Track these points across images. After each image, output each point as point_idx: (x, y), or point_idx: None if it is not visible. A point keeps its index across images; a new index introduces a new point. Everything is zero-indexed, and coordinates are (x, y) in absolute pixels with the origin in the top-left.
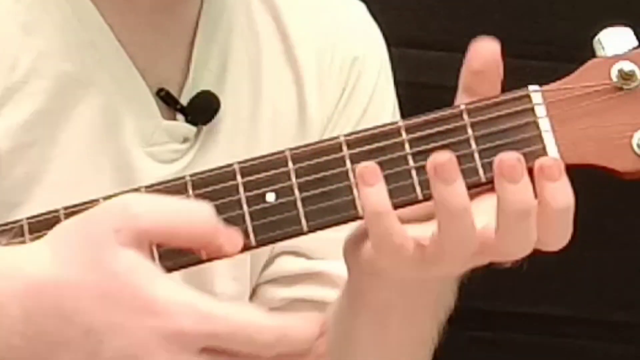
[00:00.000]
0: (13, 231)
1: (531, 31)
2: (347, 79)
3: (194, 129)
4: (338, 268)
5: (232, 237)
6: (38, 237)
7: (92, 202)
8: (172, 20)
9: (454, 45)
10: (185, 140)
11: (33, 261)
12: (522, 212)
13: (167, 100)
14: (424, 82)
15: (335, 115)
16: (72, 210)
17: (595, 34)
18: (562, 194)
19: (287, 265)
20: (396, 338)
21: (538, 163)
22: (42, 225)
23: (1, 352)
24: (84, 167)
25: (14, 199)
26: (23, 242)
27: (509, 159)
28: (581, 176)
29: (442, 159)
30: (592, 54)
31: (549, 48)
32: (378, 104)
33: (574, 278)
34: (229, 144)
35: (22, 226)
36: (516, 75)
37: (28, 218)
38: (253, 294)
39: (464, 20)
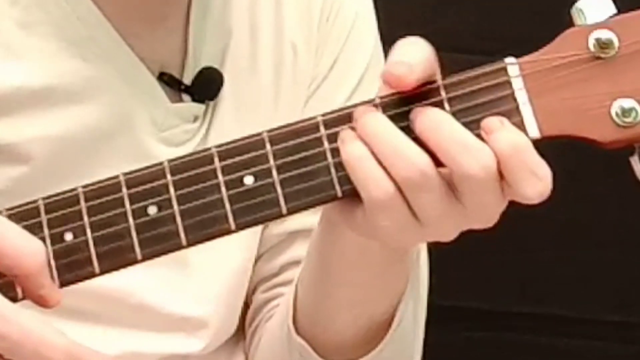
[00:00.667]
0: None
1: (531, 31)
2: (329, 10)
3: (202, 106)
4: None
5: (54, 291)
6: None
7: (71, 191)
8: (166, 7)
9: (453, 45)
10: (195, 119)
11: None
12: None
13: (170, 83)
14: None
15: (320, 47)
16: (50, 201)
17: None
18: (507, 139)
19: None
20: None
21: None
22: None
23: None
24: (99, 163)
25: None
26: None
27: None
28: (581, 177)
29: None
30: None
31: None
32: (359, 33)
33: (574, 278)
34: (238, 114)
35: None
36: None
37: (8, 209)
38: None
39: (464, 21)
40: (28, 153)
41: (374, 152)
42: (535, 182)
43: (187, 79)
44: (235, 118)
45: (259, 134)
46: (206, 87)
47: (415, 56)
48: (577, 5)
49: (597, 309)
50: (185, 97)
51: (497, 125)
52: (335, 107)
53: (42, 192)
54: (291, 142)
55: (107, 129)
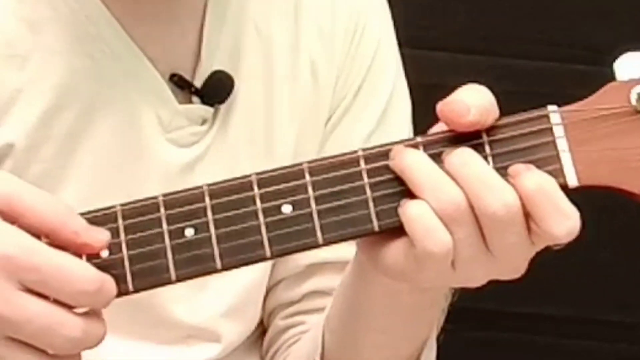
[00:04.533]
0: None
1: (532, 31)
2: (354, 32)
3: (210, 109)
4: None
5: (94, 231)
6: None
7: (109, 209)
8: (179, 8)
9: (454, 45)
10: (203, 122)
11: None
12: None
13: (181, 84)
14: (433, 83)
15: (345, 70)
16: (88, 217)
17: (598, 33)
18: (533, 178)
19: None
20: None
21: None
22: None
23: None
24: (105, 161)
25: None
26: None
27: None
28: None
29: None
30: (611, 74)
31: (551, 48)
32: (384, 55)
33: (574, 278)
34: (247, 121)
35: None
36: (521, 76)
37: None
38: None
39: (466, 21)
40: (36, 153)
41: (413, 187)
42: (563, 220)
43: (198, 82)
44: (246, 125)
45: (299, 164)
46: (216, 90)
47: (475, 99)
48: (619, 61)
49: (597, 309)
50: (195, 99)
51: (522, 168)
52: (364, 134)
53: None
54: (331, 174)
55: (113, 127)
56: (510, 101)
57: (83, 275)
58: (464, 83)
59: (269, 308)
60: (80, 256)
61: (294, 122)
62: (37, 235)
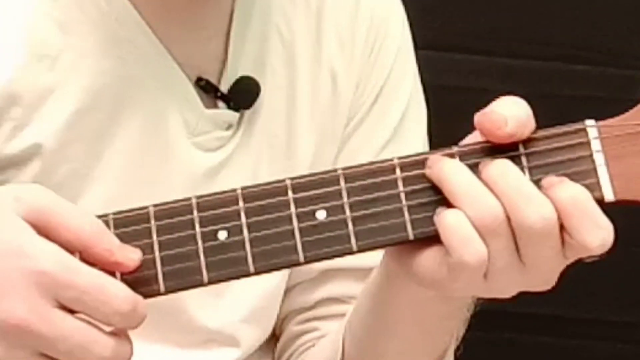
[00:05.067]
0: None
1: (532, 31)
2: (373, 41)
3: (236, 115)
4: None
5: (127, 250)
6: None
7: (141, 209)
8: (207, 13)
9: (454, 45)
10: (228, 127)
11: None
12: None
13: (207, 89)
14: (433, 83)
15: (363, 79)
16: (120, 217)
17: (600, 33)
18: (568, 189)
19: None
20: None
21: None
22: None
23: None
24: (131, 163)
25: (64, 196)
26: None
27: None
28: None
29: None
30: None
31: (554, 48)
32: (402, 64)
33: (574, 278)
34: (270, 126)
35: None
36: (521, 76)
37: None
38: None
39: (466, 21)
40: (64, 154)
41: (450, 196)
42: (598, 230)
43: (224, 87)
44: (268, 131)
45: (334, 170)
46: (242, 96)
47: (513, 111)
48: None
49: (597, 309)
50: (221, 104)
51: (556, 181)
52: (379, 143)
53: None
54: (366, 181)
55: (140, 129)
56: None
57: (118, 295)
58: (464, 83)
59: (283, 313)
60: (112, 274)
61: (314, 129)
62: (70, 251)
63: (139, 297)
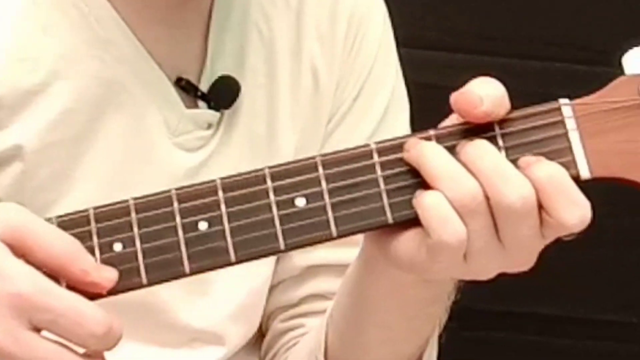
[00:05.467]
0: None
1: (532, 31)
2: (354, 38)
3: (217, 114)
4: None
5: (103, 270)
6: None
7: (122, 203)
8: (186, 13)
9: (454, 45)
10: (209, 126)
11: None
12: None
13: (187, 88)
14: (432, 83)
15: (344, 76)
16: (101, 211)
17: (599, 33)
18: (546, 168)
19: None
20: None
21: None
22: (72, 224)
23: None
24: (112, 164)
25: (46, 198)
26: None
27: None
28: None
29: None
30: (620, 69)
31: (551, 48)
32: (383, 61)
33: (573, 278)
34: (251, 126)
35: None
36: (520, 76)
37: (58, 217)
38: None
39: (469, 21)
40: (46, 156)
41: (429, 178)
42: (575, 208)
43: (204, 86)
44: (249, 130)
45: (312, 157)
46: (222, 95)
47: (487, 90)
48: (627, 55)
49: (597, 309)
50: (201, 104)
51: (533, 160)
52: (362, 138)
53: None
54: (344, 167)
55: (121, 130)
56: (509, 101)
57: (93, 317)
58: (464, 83)
59: (268, 310)
60: (88, 295)
61: (295, 127)
62: (47, 272)
63: (114, 319)
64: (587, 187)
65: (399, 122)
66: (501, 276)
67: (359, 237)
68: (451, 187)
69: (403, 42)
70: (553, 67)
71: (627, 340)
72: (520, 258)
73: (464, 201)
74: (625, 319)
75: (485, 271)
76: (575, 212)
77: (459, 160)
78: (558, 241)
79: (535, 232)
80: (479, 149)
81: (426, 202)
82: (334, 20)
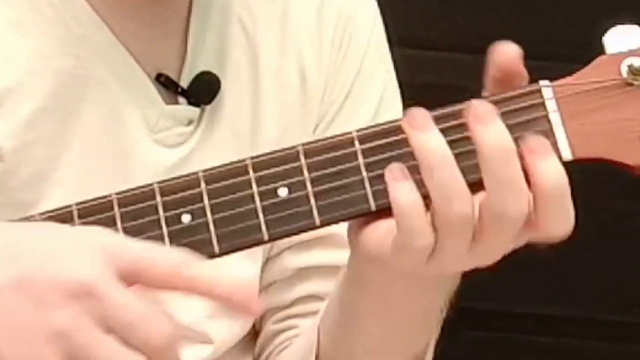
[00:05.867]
0: None
1: (532, 31)
2: (341, 38)
3: (197, 110)
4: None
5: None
6: None
7: (105, 198)
8: (165, 8)
9: (454, 45)
10: (189, 122)
11: None
12: (503, 153)
13: (167, 84)
14: (431, 83)
15: (333, 76)
16: (85, 206)
17: (599, 32)
18: (553, 172)
19: None
20: (397, 322)
21: (526, 144)
22: (56, 220)
23: None
24: (92, 162)
25: (26, 198)
26: None
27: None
28: (581, 176)
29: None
30: (601, 52)
31: (550, 47)
32: (372, 60)
33: (573, 278)
34: (234, 122)
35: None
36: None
37: (41, 214)
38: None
39: (466, 20)
40: (25, 156)
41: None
42: (566, 222)
43: (184, 82)
44: (231, 126)
45: (293, 147)
46: (203, 91)
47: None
48: (607, 34)
49: (597, 309)
50: (182, 100)
51: (541, 150)
52: None
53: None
54: (325, 156)
55: (100, 127)
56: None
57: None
58: (463, 83)
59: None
60: None
61: (280, 125)
62: None
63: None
64: (587, 183)
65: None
66: (501, 276)
67: (340, 240)
68: (444, 203)
69: (403, 42)
70: (553, 67)
71: (627, 340)
72: (489, 259)
73: (453, 221)
74: (625, 319)
75: (448, 270)
76: (565, 227)
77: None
78: (558, 242)
79: (513, 239)
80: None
81: (403, 203)
82: (321, 19)
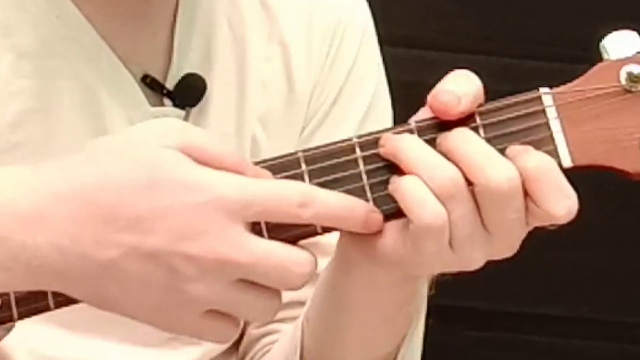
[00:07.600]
0: None
1: (532, 31)
2: (330, 44)
3: (182, 112)
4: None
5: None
6: None
7: None
8: (150, 8)
9: (454, 45)
10: None
11: (71, 167)
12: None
13: (152, 86)
14: (430, 82)
15: (321, 82)
16: None
17: (599, 33)
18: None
19: None
20: (378, 329)
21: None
22: None
23: (52, 254)
24: None
25: None
26: None
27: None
28: (581, 177)
29: None
30: (599, 57)
31: (550, 47)
32: (361, 68)
33: (573, 278)
34: (219, 124)
35: None
36: (519, 76)
37: None
38: None
39: (466, 21)
40: (10, 157)
41: (408, 168)
42: (564, 200)
43: (170, 84)
44: (217, 129)
45: (294, 153)
46: (188, 93)
47: (464, 88)
48: (605, 41)
49: (597, 309)
50: (167, 101)
51: (522, 149)
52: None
53: None
54: (326, 163)
55: (85, 129)
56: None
57: (289, 190)
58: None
59: None
60: None
61: (266, 129)
62: None
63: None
64: (586, 183)
65: (381, 126)
66: (501, 276)
67: (332, 248)
68: (430, 175)
69: (403, 42)
70: (553, 67)
71: (627, 340)
72: (506, 245)
73: (445, 187)
74: (626, 319)
75: (472, 260)
76: (564, 203)
77: (440, 151)
78: (558, 242)
79: (521, 217)
80: (462, 135)
81: (403, 187)
82: (311, 23)
